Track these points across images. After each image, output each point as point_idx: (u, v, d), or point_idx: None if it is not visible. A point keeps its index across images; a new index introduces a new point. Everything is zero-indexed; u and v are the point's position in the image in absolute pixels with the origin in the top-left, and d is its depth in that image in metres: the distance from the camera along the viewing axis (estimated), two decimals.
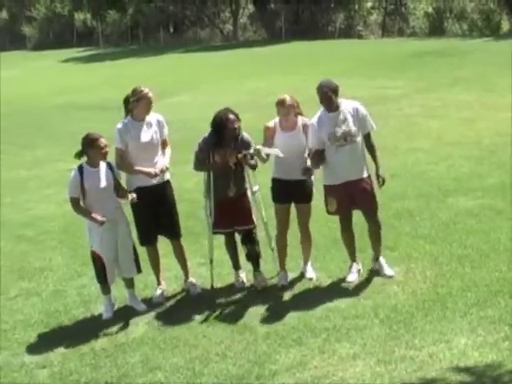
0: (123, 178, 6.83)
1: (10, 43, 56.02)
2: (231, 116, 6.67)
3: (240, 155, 6.64)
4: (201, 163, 6.82)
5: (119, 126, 6.75)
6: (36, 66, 38.32)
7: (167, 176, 6.91)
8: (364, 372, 5.30)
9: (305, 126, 6.81)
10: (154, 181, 6.74)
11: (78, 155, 6.56)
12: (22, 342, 6.43)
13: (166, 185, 6.91)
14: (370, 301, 6.43)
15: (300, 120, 6.85)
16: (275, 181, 6.95)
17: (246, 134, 6.84)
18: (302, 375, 5.37)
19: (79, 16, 53.07)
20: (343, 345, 5.71)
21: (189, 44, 44.53)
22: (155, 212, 6.81)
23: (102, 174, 6.52)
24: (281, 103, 6.73)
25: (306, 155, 6.80)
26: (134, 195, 6.56)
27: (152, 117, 6.81)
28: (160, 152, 6.83)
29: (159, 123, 6.83)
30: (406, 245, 7.62)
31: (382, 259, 7.00)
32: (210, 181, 6.81)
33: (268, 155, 6.81)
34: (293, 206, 7.00)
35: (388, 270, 6.91)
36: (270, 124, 6.90)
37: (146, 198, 6.70)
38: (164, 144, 6.90)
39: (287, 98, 6.76)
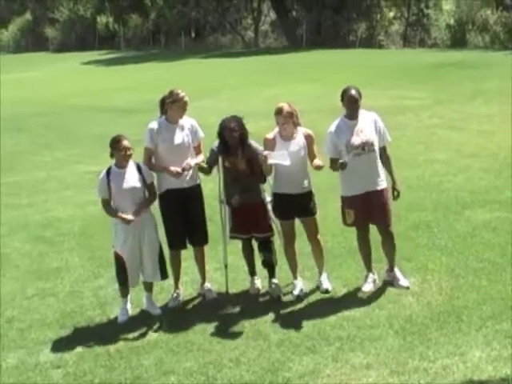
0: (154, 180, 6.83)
1: (32, 45, 56.61)
2: (231, 124, 6.64)
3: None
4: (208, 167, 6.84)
5: (153, 125, 6.74)
6: (58, 68, 38.66)
7: (197, 180, 6.91)
8: (377, 382, 5.30)
9: (307, 137, 6.74)
10: (185, 184, 6.75)
11: (111, 156, 6.66)
12: (38, 341, 6.48)
13: (197, 188, 6.91)
14: (384, 311, 6.42)
15: (300, 130, 6.78)
16: (276, 196, 6.84)
17: (254, 142, 6.80)
18: (314, 383, 5.38)
19: (101, 19, 53.54)
20: (357, 354, 5.71)
21: (210, 50, 44.75)
22: (184, 215, 6.83)
23: (127, 175, 6.56)
24: (279, 111, 6.64)
25: (307, 168, 6.75)
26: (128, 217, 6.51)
27: (186, 121, 6.82)
28: (191, 157, 6.78)
29: (192, 128, 6.82)
30: (423, 256, 7.60)
31: (397, 270, 6.98)
32: (221, 186, 6.86)
33: (271, 167, 6.64)
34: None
35: (403, 281, 6.89)
36: (270, 136, 6.79)
37: (175, 201, 6.75)
38: (198, 150, 6.88)
39: (285, 106, 6.67)
